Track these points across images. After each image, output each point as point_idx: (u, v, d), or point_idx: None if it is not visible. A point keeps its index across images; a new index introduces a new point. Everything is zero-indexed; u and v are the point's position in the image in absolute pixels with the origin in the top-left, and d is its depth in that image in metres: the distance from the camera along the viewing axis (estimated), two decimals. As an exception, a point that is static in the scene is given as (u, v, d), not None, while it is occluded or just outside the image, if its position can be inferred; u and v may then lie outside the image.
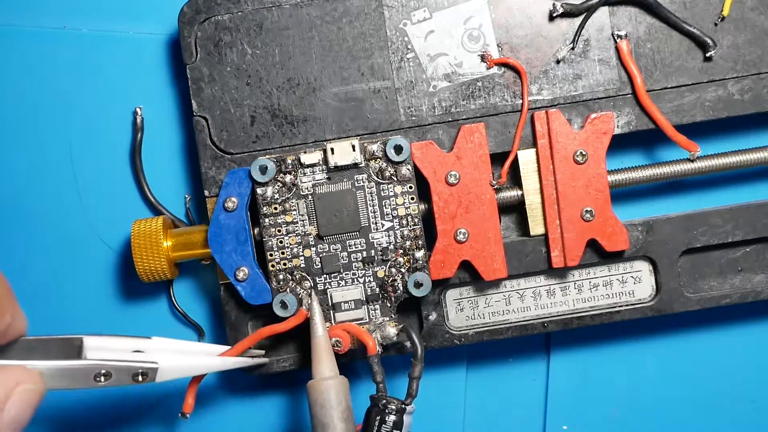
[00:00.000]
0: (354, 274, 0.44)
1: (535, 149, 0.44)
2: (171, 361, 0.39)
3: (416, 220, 0.44)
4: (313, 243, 0.44)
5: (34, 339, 0.36)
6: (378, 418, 0.41)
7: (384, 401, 0.41)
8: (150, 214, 0.48)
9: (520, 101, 0.44)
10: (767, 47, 0.45)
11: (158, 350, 0.39)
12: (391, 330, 0.44)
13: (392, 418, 0.41)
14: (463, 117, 0.45)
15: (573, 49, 0.44)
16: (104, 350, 0.37)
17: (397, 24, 0.45)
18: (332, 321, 0.44)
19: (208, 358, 0.42)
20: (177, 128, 0.48)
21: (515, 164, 0.45)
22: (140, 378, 0.37)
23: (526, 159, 0.45)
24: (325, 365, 0.41)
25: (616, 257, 0.45)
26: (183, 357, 0.40)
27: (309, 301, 0.43)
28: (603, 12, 0.44)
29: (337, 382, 0.41)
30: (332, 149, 0.43)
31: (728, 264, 0.47)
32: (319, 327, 0.42)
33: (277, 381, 0.50)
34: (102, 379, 0.36)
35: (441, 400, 0.50)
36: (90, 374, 0.36)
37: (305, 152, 0.44)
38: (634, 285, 0.46)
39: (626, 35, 0.44)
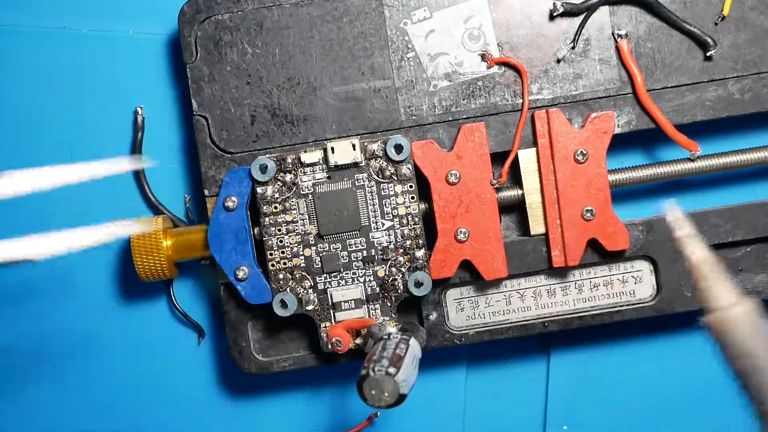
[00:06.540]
0: (354, 273, 0.44)
1: (535, 148, 0.44)
2: None
3: (416, 219, 0.44)
4: (313, 242, 0.44)
5: None
6: (381, 343, 0.40)
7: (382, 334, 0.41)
8: (150, 213, 0.48)
9: (521, 100, 0.44)
10: (767, 47, 0.45)
11: None
12: (392, 329, 0.44)
13: (397, 336, 0.40)
14: (464, 116, 0.45)
15: (573, 48, 0.44)
16: None
17: (397, 23, 0.44)
18: (332, 320, 0.44)
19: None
20: (177, 128, 0.48)
21: (515, 163, 0.45)
22: None
23: (527, 158, 0.45)
24: (721, 290, 0.31)
25: (617, 257, 0.45)
26: None
27: (673, 213, 0.32)
28: (603, 11, 0.44)
29: (748, 307, 0.31)
30: (332, 148, 0.43)
31: (728, 264, 0.47)
32: (696, 245, 0.31)
33: (277, 381, 0.49)
34: None
35: (441, 400, 0.49)
36: None
37: (305, 151, 0.44)
38: (634, 285, 0.46)
39: (627, 35, 0.44)
